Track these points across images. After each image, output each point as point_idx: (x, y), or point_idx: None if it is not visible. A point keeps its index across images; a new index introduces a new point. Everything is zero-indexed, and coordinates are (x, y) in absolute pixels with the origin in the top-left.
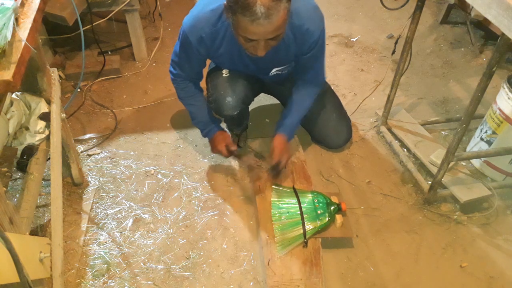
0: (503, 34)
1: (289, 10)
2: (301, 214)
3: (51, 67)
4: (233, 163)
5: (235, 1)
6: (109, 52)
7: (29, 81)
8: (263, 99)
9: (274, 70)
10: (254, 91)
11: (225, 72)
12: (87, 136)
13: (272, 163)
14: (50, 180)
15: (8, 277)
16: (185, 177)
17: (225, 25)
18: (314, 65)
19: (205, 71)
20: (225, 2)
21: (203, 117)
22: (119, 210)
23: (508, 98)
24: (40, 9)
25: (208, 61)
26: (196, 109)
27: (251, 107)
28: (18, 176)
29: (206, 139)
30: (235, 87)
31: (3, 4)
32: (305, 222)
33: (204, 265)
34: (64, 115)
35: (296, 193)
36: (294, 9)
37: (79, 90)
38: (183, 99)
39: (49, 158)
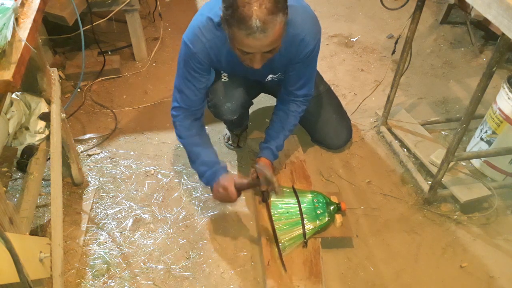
0: (503, 34)
1: (286, 23)
2: (301, 214)
3: (51, 67)
4: (233, 163)
5: (231, 14)
6: (109, 52)
7: (29, 81)
8: (263, 99)
9: (270, 76)
10: (253, 94)
11: (224, 77)
12: (87, 136)
13: (263, 189)
14: (50, 180)
15: (8, 277)
16: (185, 177)
17: (224, 36)
18: (303, 77)
19: None
20: (221, 14)
21: (209, 156)
22: (119, 210)
23: (508, 98)
24: (40, 9)
25: None
26: (201, 149)
27: (251, 107)
28: (18, 176)
29: None
30: (234, 93)
31: (3, 4)
32: (305, 222)
33: (204, 265)
34: (64, 115)
35: (295, 193)
36: (292, 18)
37: (79, 90)
38: (186, 138)
39: (49, 158)
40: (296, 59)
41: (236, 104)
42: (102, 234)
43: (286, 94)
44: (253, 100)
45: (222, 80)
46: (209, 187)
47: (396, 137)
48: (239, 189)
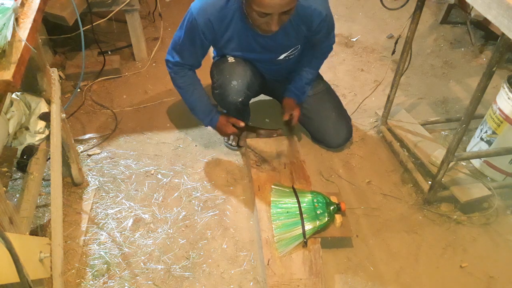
0: (503, 34)
1: None
2: (301, 214)
3: (51, 67)
4: (233, 163)
5: None
6: (109, 52)
7: (29, 81)
8: (263, 99)
9: (282, 56)
10: (257, 80)
11: (230, 59)
12: (87, 136)
13: (285, 118)
14: (50, 180)
15: (8, 277)
16: (185, 177)
17: (233, 9)
18: (325, 39)
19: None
20: None
21: (205, 105)
22: (119, 210)
23: (508, 98)
24: (40, 9)
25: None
26: (197, 97)
27: (251, 107)
28: (18, 176)
29: (206, 139)
30: (241, 71)
31: (3, 4)
32: (305, 222)
33: (204, 265)
34: (64, 115)
35: (295, 192)
36: None
37: (79, 90)
38: (182, 88)
39: (49, 158)
40: (312, 30)
41: (242, 83)
42: (102, 234)
43: (310, 48)
44: (253, 100)
45: (229, 61)
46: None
47: (396, 137)
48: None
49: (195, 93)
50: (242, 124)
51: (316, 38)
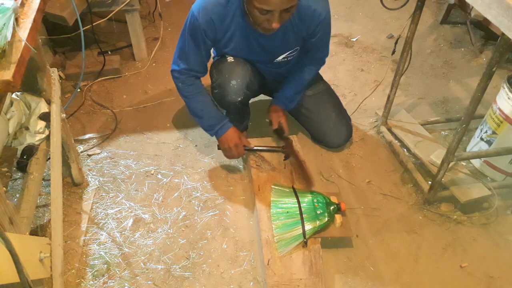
0: (503, 34)
1: None
2: (301, 213)
3: (51, 67)
4: (233, 163)
5: None
6: (109, 52)
7: (29, 81)
8: (263, 99)
9: (281, 57)
10: (257, 80)
11: (230, 58)
12: (87, 136)
13: (274, 127)
14: (50, 180)
15: (8, 277)
16: (185, 177)
17: (233, 8)
18: (320, 46)
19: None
20: None
21: (214, 112)
22: (119, 210)
23: (508, 98)
24: (40, 9)
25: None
26: (206, 105)
27: (251, 107)
28: (18, 176)
29: (206, 139)
30: (240, 71)
31: (3, 4)
32: (305, 222)
33: (204, 265)
34: (64, 115)
35: (295, 192)
36: None
37: (79, 90)
38: (189, 97)
39: (49, 158)
40: (310, 32)
41: (242, 82)
42: (102, 234)
43: (303, 56)
44: (252, 100)
45: (228, 60)
46: (214, 137)
47: (396, 137)
48: (246, 148)
49: (205, 101)
50: (252, 145)
51: (312, 41)
